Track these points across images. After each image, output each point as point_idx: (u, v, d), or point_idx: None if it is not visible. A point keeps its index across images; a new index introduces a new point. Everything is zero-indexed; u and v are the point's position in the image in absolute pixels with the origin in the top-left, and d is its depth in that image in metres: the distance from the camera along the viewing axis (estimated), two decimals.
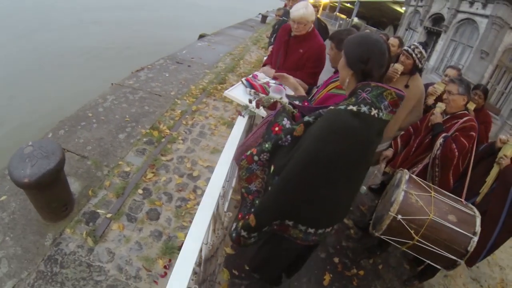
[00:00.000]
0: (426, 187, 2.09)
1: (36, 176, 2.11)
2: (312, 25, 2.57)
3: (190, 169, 3.32)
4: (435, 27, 15.57)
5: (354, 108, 1.23)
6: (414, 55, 2.59)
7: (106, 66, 10.51)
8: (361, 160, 1.34)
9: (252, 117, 2.39)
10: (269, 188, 1.47)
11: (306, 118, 1.41)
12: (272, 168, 1.47)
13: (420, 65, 2.66)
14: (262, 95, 2.12)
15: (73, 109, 4.31)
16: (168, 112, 4.36)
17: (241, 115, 2.03)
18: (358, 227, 3.17)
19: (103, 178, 3.13)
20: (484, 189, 2.38)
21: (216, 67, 6.72)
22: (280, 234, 1.58)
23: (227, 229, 1.49)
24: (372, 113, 1.23)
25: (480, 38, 11.78)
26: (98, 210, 2.72)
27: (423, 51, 2.62)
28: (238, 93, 2.26)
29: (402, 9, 21.16)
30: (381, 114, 1.24)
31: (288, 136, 1.43)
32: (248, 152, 1.57)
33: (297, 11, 2.40)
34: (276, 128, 1.53)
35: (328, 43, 2.28)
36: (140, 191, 3.00)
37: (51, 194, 2.36)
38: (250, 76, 2.51)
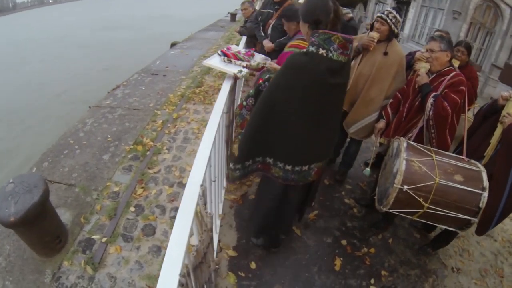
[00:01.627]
0: (426, 151, 2.03)
1: (22, 213, 2.04)
2: None
3: (179, 177, 3.26)
4: None
5: (304, 50, 1.53)
6: (388, 20, 2.53)
7: (83, 91, 10.56)
8: (317, 95, 1.57)
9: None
10: None
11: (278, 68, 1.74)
12: None
13: (396, 30, 2.60)
14: (233, 60, 2.57)
15: (54, 138, 4.26)
16: (149, 125, 4.28)
17: (237, 77, 2.32)
18: (361, 205, 3.12)
19: (93, 202, 3.06)
20: (489, 151, 2.22)
21: (191, 72, 6.63)
22: (265, 175, 1.88)
23: (211, 231, 1.43)
24: (320, 52, 1.48)
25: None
26: (93, 236, 2.64)
27: (397, 16, 2.56)
28: (215, 61, 2.63)
29: None
30: (330, 54, 1.49)
31: (266, 83, 1.76)
32: (239, 101, 2.03)
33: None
34: (260, 81, 1.91)
35: None
36: (132, 208, 2.93)
37: (40, 228, 2.28)
38: (225, 48, 2.81)
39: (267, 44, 3.84)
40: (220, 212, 2.61)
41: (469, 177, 1.88)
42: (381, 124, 2.64)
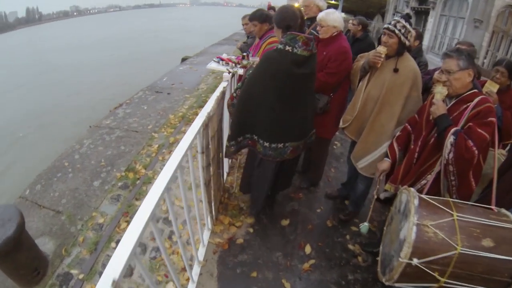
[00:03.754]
0: (445, 208, 1.58)
1: None
2: (338, 31, 2.67)
3: (165, 212, 3.03)
4: (422, 6, 15.05)
5: (275, 48, 2.01)
6: (397, 31, 2.17)
7: (91, 108, 10.81)
8: (284, 82, 2.02)
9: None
10: None
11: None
12: None
13: (407, 43, 2.20)
14: (230, 64, 3.18)
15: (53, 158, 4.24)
16: (144, 149, 4.10)
17: (229, 73, 2.74)
18: (367, 252, 2.67)
19: (77, 233, 2.92)
20: None
21: (197, 90, 6.46)
22: (253, 150, 2.34)
23: None
24: (286, 49, 1.95)
25: (470, 7, 11.22)
26: (72, 271, 2.49)
27: (407, 25, 2.18)
28: (215, 65, 3.36)
29: None
30: (295, 50, 1.95)
31: None
32: (230, 94, 2.38)
33: (320, 14, 2.66)
34: (244, 76, 2.34)
35: None
36: (113, 244, 2.74)
37: (15, 261, 2.18)
38: (218, 56, 3.53)
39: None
40: (201, 259, 2.36)
41: (501, 239, 1.46)
42: (385, 164, 2.19)
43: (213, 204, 2.46)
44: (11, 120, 12.58)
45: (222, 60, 3.36)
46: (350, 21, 5.42)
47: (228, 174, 3.36)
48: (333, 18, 2.59)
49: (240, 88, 2.23)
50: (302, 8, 3.15)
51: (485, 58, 11.09)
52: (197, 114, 5.05)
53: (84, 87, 16.60)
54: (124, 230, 2.89)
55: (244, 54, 4.02)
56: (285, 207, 3.04)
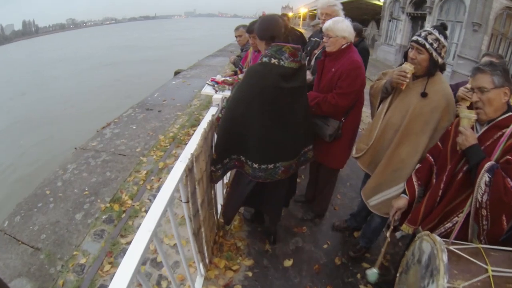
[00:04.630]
0: (478, 262, 1.28)
1: None
2: (348, 43, 2.29)
3: (153, 252, 2.68)
4: (418, 11, 14.90)
5: (260, 61, 1.81)
6: (428, 45, 1.75)
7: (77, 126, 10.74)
8: (272, 98, 1.81)
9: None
10: None
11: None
12: None
13: (439, 60, 1.79)
14: (226, 86, 2.88)
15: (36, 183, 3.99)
16: (131, 176, 3.77)
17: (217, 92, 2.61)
18: None
19: (57, 275, 2.63)
20: None
21: (189, 106, 6.15)
22: (240, 171, 2.12)
23: None
24: (272, 61, 1.76)
25: (468, 11, 11.00)
26: None
27: (441, 38, 1.76)
28: (210, 89, 2.92)
29: (380, 2, 20.71)
30: (282, 62, 1.77)
31: None
32: (216, 115, 2.11)
33: (326, 22, 2.31)
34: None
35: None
36: None
37: None
38: (211, 78, 3.13)
39: (307, 76, 3.30)
40: None
41: None
42: (401, 202, 1.83)
43: (205, 249, 2.12)
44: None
45: (217, 83, 2.98)
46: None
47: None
48: (342, 28, 2.21)
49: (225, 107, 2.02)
50: (319, 18, 3.02)
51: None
52: (189, 135, 4.83)
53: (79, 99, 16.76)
54: (107, 273, 2.59)
55: (238, 69, 3.74)
56: (287, 244, 2.70)
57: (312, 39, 3.47)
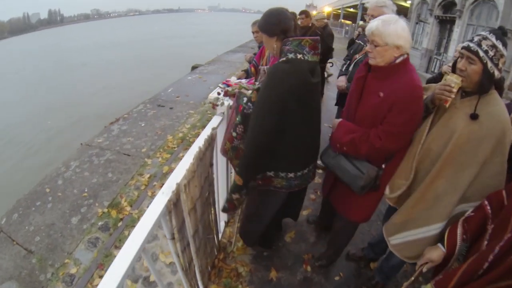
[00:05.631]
0: None
1: None
2: (404, 56, 1.54)
3: (146, 270, 2.44)
4: (447, 14, 14.06)
5: (284, 58, 1.56)
6: (481, 53, 1.36)
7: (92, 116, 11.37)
8: (306, 95, 1.59)
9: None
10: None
11: (256, 86, 1.72)
12: None
13: (496, 73, 1.38)
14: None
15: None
16: (134, 179, 3.54)
17: (215, 107, 2.07)
18: None
19: (46, 284, 2.52)
20: None
21: (203, 105, 5.86)
22: (264, 188, 1.82)
23: None
24: (298, 57, 1.54)
25: (501, 17, 10.15)
26: None
27: (499, 45, 1.38)
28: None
29: (407, 3, 19.81)
30: (306, 57, 1.55)
31: (249, 103, 1.66)
32: (228, 134, 1.81)
33: (372, 22, 1.57)
34: (241, 107, 1.71)
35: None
36: None
37: None
38: (224, 81, 2.50)
39: (340, 82, 2.91)
40: None
41: None
42: (436, 253, 1.45)
43: (199, 279, 1.85)
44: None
45: (229, 86, 2.43)
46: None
47: (227, 223, 2.72)
48: (395, 32, 1.48)
49: (240, 124, 1.70)
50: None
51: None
52: (197, 136, 4.62)
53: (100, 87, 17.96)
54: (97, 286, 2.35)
55: (250, 64, 3.35)
56: (295, 273, 2.37)
57: (357, 41, 3.02)
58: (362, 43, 2.77)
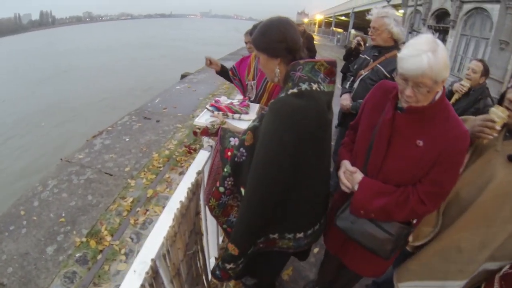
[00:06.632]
0: None
1: None
2: (442, 89, 1.20)
3: None
4: (440, 24, 14.15)
5: (295, 90, 1.15)
6: None
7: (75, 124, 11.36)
8: (320, 139, 1.24)
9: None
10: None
11: (251, 124, 1.27)
12: (243, 190, 1.31)
13: None
14: (230, 114, 2.11)
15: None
16: (115, 203, 3.30)
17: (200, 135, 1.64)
18: None
19: None
20: None
21: (192, 118, 5.61)
22: (266, 250, 1.43)
23: None
24: (314, 88, 1.16)
25: (495, 27, 10.27)
26: None
27: None
28: (207, 118, 1.91)
29: (399, 12, 19.98)
30: (322, 87, 1.19)
31: (242, 149, 1.27)
32: (213, 189, 1.39)
33: (413, 58, 1.08)
34: (229, 153, 1.39)
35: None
36: None
37: None
38: (213, 101, 2.27)
39: (344, 101, 2.68)
40: None
41: None
42: None
43: None
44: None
45: (220, 110, 2.15)
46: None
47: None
48: (444, 61, 1.09)
49: (230, 176, 1.32)
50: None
51: (510, 82, 10.18)
52: (186, 155, 4.33)
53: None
54: None
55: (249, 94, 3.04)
56: None
57: (361, 55, 2.81)
58: (369, 58, 2.59)
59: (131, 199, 3.33)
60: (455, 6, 12.22)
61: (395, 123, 1.24)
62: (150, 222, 3.03)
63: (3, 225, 3.16)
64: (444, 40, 13.69)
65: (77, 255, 2.74)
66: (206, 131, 1.54)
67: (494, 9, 10.33)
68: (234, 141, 1.41)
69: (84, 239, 2.87)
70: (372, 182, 1.31)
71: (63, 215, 3.19)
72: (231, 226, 1.42)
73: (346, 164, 1.42)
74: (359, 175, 1.34)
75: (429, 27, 14.55)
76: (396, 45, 2.42)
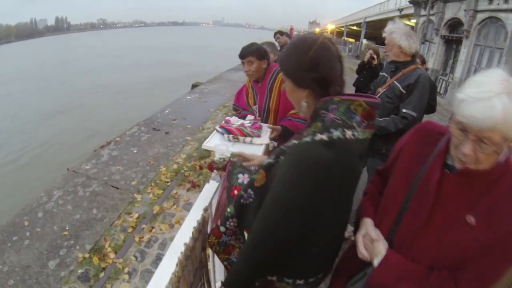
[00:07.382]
0: None
1: None
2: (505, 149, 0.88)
3: None
4: (453, 34, 13.91)
5: (325, 137, 0.92)
6: None
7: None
8: (346, 192, 1.03)
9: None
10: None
11: (266, 161, 1.10)
12: (246, 234, 1.18)
13: None
14: (241, 138, 1.97)
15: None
16: (120, 219, 3.23)
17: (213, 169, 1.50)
18: None
19: None
20: None
21: (202, 130, 5.58)
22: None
23: None
24: (348, 136, 0.92)
25: (510, 37, 10.02)
26: None
27: None
28: (216, 142, 1.93)
29: (411, 22, 19.89)
30: (356, 133, 0.94)
31: (249, 191, 1.12)
32: (214, 225, 1.27)
33: (482, 102, 0.77)
34: (235, 191, 1.24)
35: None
36: None
37: None
38: (223, 122, 2.13)
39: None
40: None
41: None
42: None
43: None
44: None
45: (230, 132, 1.98)
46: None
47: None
48: None
49: (233, 217, 1.18)
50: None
51: None
52: (195, 170, 4.26)
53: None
54: None
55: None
56: None
57: (381, 73, 2.73)
58: (386, 75, 2.57)
59: (136, 215, 3.26)
60: (468, 15, 11.94)
61: (442, 188, 0.95)
62: (155, 240, 2.95)
63: (6, 235, 3.11)
64: (457, 50, 13.43)
65: (79, 271, 2.67)
66: (212, 166, 1.43)
67: (508, 18, 10.06)
68: (242, 179, 1.26)
69: (87, 255, 2.80)
70: (399, 261, 1.00)
71: (67, 228, 3.14)
72: (232, 264, 1.29)
73: (367, 225, 1.13)
74: (382, 246, 1.03)
75: (442, 37, 14.35)
76: (413, 59, 2.45)
